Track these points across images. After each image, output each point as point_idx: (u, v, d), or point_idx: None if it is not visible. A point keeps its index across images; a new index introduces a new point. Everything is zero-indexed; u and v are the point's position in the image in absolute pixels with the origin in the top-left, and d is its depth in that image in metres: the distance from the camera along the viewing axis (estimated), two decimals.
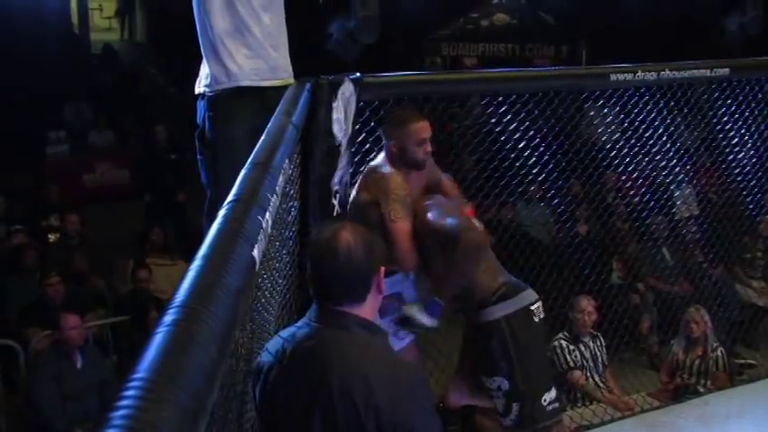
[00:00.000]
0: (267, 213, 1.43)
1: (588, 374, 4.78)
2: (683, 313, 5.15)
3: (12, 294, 6.04)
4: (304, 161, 2.75)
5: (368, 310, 1.84)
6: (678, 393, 4.87)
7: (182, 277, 0.99)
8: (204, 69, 2.93)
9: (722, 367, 4.99)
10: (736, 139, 5.19)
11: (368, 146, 3.24)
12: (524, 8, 13.19)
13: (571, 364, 4.75)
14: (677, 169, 5.57)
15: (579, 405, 4.68)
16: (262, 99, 2.86)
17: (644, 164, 5.53)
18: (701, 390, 4.84)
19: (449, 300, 2.98)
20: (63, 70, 10.53)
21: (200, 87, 2.94)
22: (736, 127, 5.11)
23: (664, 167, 5.54)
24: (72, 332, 4.80)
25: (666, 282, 6.35)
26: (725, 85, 4.79)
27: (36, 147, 9.76)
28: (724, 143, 5.28)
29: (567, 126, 5.24)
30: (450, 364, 3.49)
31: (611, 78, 3.92)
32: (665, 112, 4.93)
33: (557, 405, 3.05)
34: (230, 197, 1.40)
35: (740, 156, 5.29)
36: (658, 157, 5.36)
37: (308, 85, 2.76)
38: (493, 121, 4.17)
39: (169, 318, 0.87)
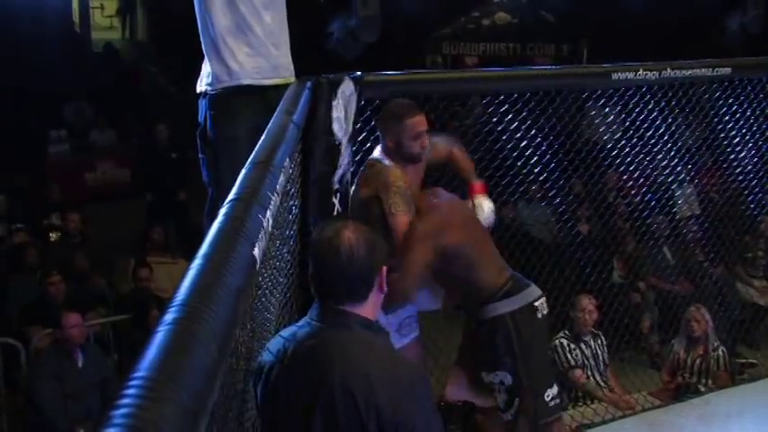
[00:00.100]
0: (268, 212, 1.44)
1: (589, 373, 4.78)
2: (684, 312, 5.15)
3: (13, 293, 6.05)
4: (304, 160, 2.74)
5: (369, 309, 1.84)
6: (679, 392, 4.87)
7: (183, 276, 0.99)
8: (205, 68, 2.93)
9: (723, 366, 4.98)
10: (738, 139, 5.18)
11: (369, 144, 3.24)
12: (525, 7, 13.18)
13: (572, 362, 4.75)
14: (678, 168, 5.56)
15: (580, 404, 4.68)
16: (263, 98, 2.86)
17: (645, 163, 5.53)
18: (702, 389, 4.84)
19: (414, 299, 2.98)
20: (64, 69, 10.52)
21: (201, 86, 2.94)
22: (737, 126, 5.11)
23: (665, 167, 5.54)
24: (73, 331, 4.80)
25: (667, 281, 6.35)
26: (726, 84, 4.78)
27: (37, 145, 9.76)
28: (725, 142, 5.27)
29: (569, 125, 5.24)
30: (451, 364, 3.49)
31: (613, 77, 3.92)
32: (667, 112, 4.92)
33: (558, 401, 3.06)
34: (231, 196, 1.40)
35: (741, 155, 5.29)
36: (660, 156, 5.36)
37: (308, 84, 2.76)
38: (494, 120, 4.17)
39: (170, 316, 0.87)
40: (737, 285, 6.30)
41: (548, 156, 4.80)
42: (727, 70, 4.26)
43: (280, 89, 2.79)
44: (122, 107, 11.01)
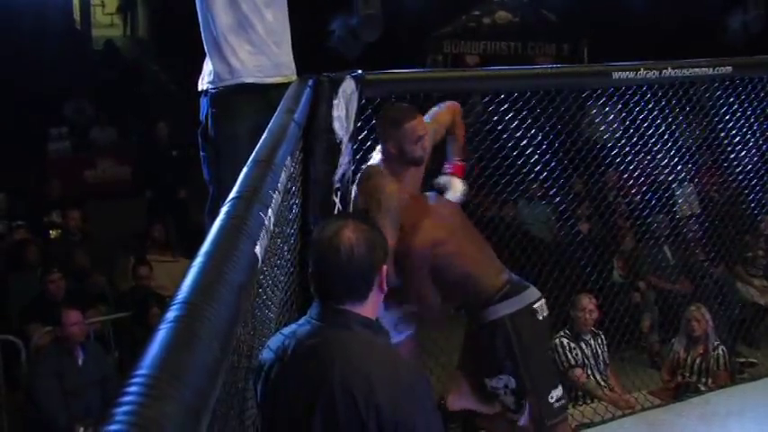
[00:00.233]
0: (269, 210, 1.43)
1: (589, 372, 4.78)
2: (684, 312, 5.16)
3: (13, 290, 6.05)
4: (306, 158, 2.74)
5: (369, 308, 1.83)
6: (679, 392, 4.88)
7: (184, 274, 0.99)
8: (207, 66, 2.93)
9: (723, 366, 4.99)
10: (738, 138, 5.18)
11: (369, 143, 3.24)
12: (526, 6, 13.16)
13: (572, 362, 4.75)
14: (679, 167, 5.56)
15: (580, 403, 4.68)
16: (264, 96, 2.85)
17: (645, 162, 5.52)
18: (702, 388, 4.85)
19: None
20: (65, 66, 10.52)
21: (202, 84, 2.94)
22: (737, 125, 5.11)
23: (665, 166, 5.54)
24: (73, 328, 4.80)
25: (668, 280, 6.35)
26: (727, 83, 4.78)
27: (37, 143, 9.75)
28: (726, 141, 5.27)
29: (569, 124, 5.24)
30: (451, 363, 3.49)
31: (613, 76, 3.91)
32: (667, 111, 4.92)
33: (563, 402, 3.06)
34: (232, 194, 1.40)
35: (742, 154, 5.29)
36: (660, 155, 5.36)
37: (309, 83, 2.76)
38: (495, 118, 4.17)
39: (171, 314, 0.87)
40: (738, 285, 6.31)
41: (548, 155, 4.80)
42: (728, 69, 4.25)
43: (281, 87, 2.78)
44: (123, 105, 11.00)
